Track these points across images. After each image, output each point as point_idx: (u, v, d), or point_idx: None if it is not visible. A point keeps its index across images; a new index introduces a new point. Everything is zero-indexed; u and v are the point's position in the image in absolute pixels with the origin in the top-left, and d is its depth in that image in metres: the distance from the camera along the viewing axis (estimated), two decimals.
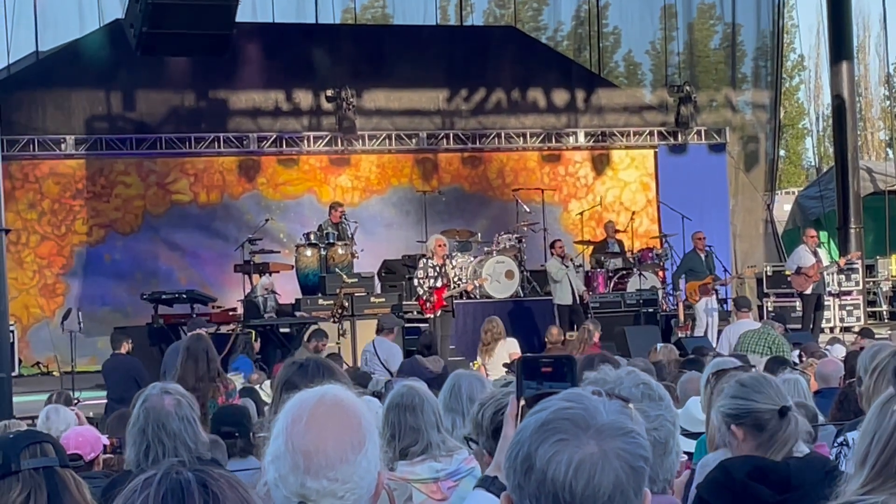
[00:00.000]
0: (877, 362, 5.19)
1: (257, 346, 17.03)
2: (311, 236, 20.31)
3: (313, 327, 17.71)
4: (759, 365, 9.63)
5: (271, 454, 2.65)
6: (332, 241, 20.16)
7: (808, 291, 21.20)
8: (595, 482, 2.11)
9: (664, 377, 9.61)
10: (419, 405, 5.12)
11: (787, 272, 22.09)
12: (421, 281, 18.89)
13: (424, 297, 18.82)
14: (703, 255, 21.05)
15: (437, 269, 18.88)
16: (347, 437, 2.64)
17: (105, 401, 15.00)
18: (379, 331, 16.10)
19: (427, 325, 18.96)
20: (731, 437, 4.53)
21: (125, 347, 15.90)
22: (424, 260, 19.14)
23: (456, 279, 19.87)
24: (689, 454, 5.92)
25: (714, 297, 20.95)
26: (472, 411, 4.07)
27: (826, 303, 22.71)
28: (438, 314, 18.79)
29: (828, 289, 22.63)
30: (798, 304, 21.88)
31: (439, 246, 19.01)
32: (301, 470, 2.60)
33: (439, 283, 18.84)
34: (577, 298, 20.72)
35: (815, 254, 21.46)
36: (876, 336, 15.86)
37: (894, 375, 5.06)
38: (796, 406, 6.95)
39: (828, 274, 22.14)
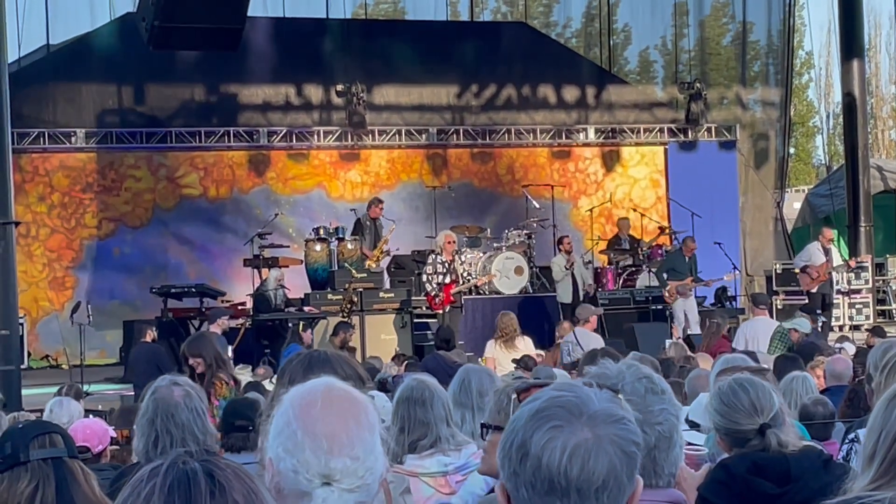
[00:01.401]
0: (887, 359, 5.19)
1: (307, 335, 17.03)
2: (321, 231, 20.34)
3: (339, 320, 17.73)
4: (769, 362, 9.62)
5: (283, 446, 2.64)
6: (341, 235, 20.19)
7: (815, 290, 21.18)
8: (590, 467, 2.15)
9: (671, 374, 9.60)
10: (429, 399, 5.12)
11: (795, 270, 22.04)
12: (430, 277, 18.90)
13: (433, 293, 18.82)
14: (687, 257, 20.86)
15: (446, 264, 18.88)
16: (363, 417, 2.67)
17: (115, 392, 15.02)
18: (576, 322, 15.80)
19: (435, 320, 18.97)
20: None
21: (150, 336, 15.97)
22: (433, 256, 19.14)
23: (465, 275, 19.87)
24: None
25: (692, 298, 20.77)
26: (494, 400, 4.00)
27: (836, 301, 22.66)
28: (447, 310, 18.79)
29: (837, 287, 22.57)
30: (807, 302, 21.83)
31: (448, 242, 19.01)
32: (324, 451, 2.61)
33: (448, 279, 18.84)
34: (580, 296, 20.64)
35: (827, 252, 21.40)
36: (887, 334, 15.81)
37: None
38: (814, 403, 6.98)
39: (837, 273, 22.09)
